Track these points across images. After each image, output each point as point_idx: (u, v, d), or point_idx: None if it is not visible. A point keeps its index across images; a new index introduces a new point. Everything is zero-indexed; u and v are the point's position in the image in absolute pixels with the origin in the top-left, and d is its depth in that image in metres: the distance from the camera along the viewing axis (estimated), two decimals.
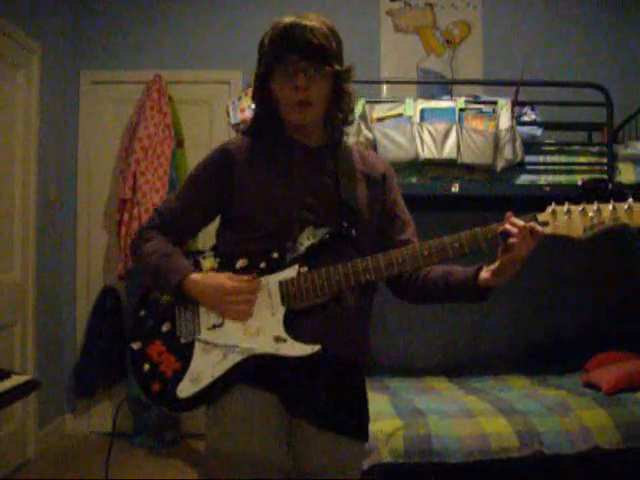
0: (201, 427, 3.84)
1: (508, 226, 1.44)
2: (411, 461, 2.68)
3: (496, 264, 1.49)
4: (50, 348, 4.12)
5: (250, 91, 1.71)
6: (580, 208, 1.41)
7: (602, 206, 1.40)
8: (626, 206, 1.39)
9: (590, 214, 1.40)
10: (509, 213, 1.46)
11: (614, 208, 1.39)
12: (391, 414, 2.86)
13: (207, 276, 1.58)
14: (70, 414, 4.37)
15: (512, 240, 1.43)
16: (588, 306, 4.22)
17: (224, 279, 1.55)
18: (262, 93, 1.61)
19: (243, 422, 1.54)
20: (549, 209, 1.43)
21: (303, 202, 1.57)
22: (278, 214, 1.56)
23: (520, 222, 1.43)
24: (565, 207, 1.42)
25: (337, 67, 1.57)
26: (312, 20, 1.55)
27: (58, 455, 3.91)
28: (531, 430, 2.76)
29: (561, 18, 4.47)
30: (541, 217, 1.44)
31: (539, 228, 1.42)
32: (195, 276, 1.57)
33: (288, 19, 1.54)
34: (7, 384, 1.92)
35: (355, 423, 1.66)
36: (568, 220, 1.42)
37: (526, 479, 2.81)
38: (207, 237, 1.81)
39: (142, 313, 1.66)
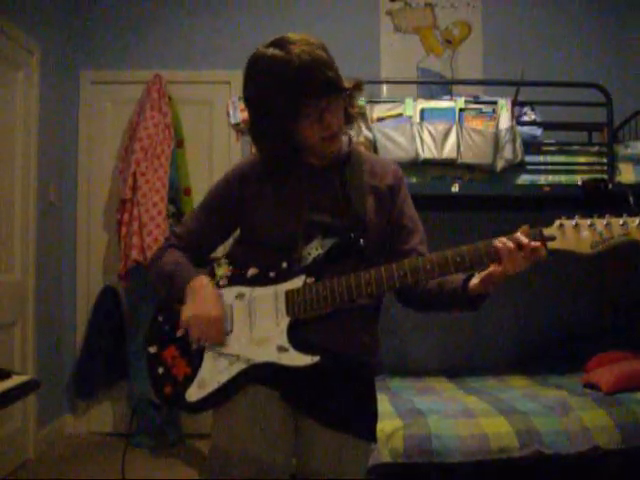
0: (202, 427, 3.86)
1: (498, 244, 1.43)
2: (411, 461, 2.68)
3: (485, 272, 1.48)
4: (50, 348, 4.12)
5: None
6: (588, 222, 1.36)
7: (612, 220, 1.34)
8: (637, 221, 1.33)
9: (599, 229, 1.35)
10: (524, 227, 1.44)
11: (624, 223, 1.33)
12: (391, 414, 2.86)
13: (206, 290, 1.60)
14: (70, 414, 4.36)
15: (501, 256, 1.43)
16: (589, 306, 4.23)
17: (212, 307, 1.58)
18: (282, 134, 1.55)
19: (247, 421, 1.56)
20: (556, 223, 1.39)
21: (311, 216, 1.58)
22: (285, 230, 1.59)
23: (509, 244, 1.41)
24: (573, 221, 1.37)
25: (348, 87, 1.56)
26: (309, 47, 1.47)
27: (58, 455, 3.91)
28: (531, 430, 2.76)
29: (561, 18, 4.47)
30: (547, 231, 1.40)
31: (524, 251, 1.41)
32: (200, 279, 1.61)
33: (292, 54, 1.45)
34: (7, 384, 1.92)
35: (361, 422, 1.65)
36: (576, 235, 1.37)
37: (526, 479, 2.81)
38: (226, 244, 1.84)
39: (160, 318, 1.71)
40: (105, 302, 4.25)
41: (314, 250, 1.56)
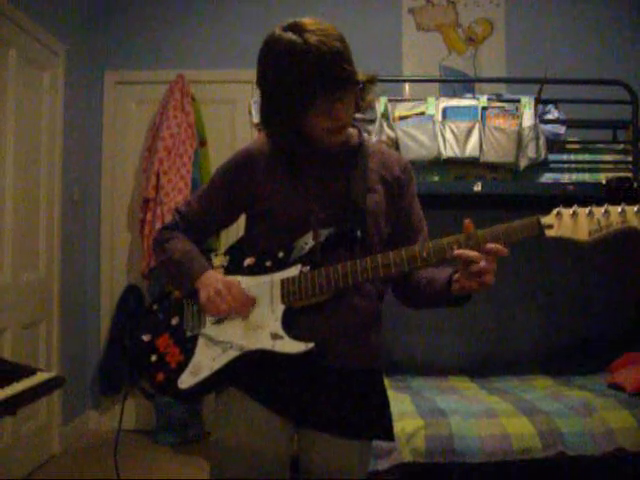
0: None
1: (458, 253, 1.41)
2: (432, 461, 2.67)
3: (460, 281, 1.45)
4: (74, 345, 4.17)
5: None
6: (587, 210, 1.37)
7: (610, 208, 1.35)
8: (635, 209, 1.35)
9: (597, 216, 1.36)
10: (468, 223, 1.43)
11: (622, 211, 1.35)
12: (413, 413, 2.85)
13: (218, 275, 1.62)
14: (94, 411, 4.42)
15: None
16: (613, 306, 4.17)
17: (226, 279, 1.59)
18: (290, 120, 1.53)
19: (245, 414, 1.57)
20: (554, 211, 1.40)
21: (312, 204, 1.57)
22: (287, 216, 1.58)
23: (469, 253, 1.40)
24: (571, 210, 1.38)
25: (362, 79, 1.55)
26: (327, 38, 1.45)
27: (82, 451, 3.96)
28: (554, 431, 2.74)
29: (584, 15, 4.42)
30: (545, 220, 1.40)
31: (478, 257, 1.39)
32: (212, 272, 1.61)
33: (309, 44, 1.43)
34: (32, 381, 1.94)
35: (372, 426, 1.64)
36: (574, 223, 1.38)
37: None
38: (229, 235, 1.85)
39: (155, 307, 1.72)
40: (128, 300, 4.29)
41: (311, 240, 1.55)
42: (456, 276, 1.48)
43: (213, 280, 1.58)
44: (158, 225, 3.99)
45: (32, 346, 3.60)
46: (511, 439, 2.71)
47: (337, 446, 1.59)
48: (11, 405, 1.82)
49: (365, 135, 1.72)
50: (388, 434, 1.67)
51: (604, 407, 2.91)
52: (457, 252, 1.41)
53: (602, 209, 1.36)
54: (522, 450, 2.69)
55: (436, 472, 2.70)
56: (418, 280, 1.61)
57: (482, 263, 1.39)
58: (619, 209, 1.35)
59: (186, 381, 1.59)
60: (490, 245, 1.40)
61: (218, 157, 4.35)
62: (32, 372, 2.00)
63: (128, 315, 4.26)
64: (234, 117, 4.45)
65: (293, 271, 1.55)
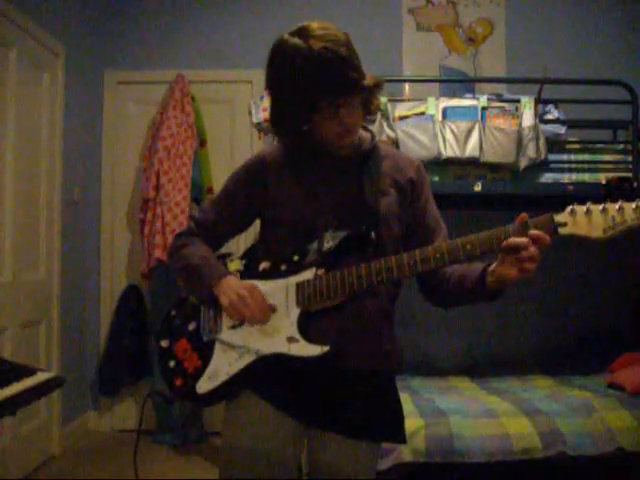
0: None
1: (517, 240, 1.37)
2: (433, 461, 2.67)
3: (498, 271, 1.44)
4: (74, 346, 4.17)
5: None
6: (601, 207, 1.35)
7: (625, 205, 1.33)
8: None
9: (612, 213, 1.34)
10: (523, 215, 1.40)
11: (637, 207, 1.33)
12: (413, 413, 2.85)
13: (237, 280, 1.62)
14: (94, 411, 4.41)
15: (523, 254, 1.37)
16: (613, 306, 4.18)
17: (247, 284, 1.59)
18: (298, 123, 1.55)
19: (256, 417, 1.57)
20: (568, 209, 1.38)
21: (326, 208, 1.58)
22: (301, 220, 1.59)
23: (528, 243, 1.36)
24: (585, 207, 1.36)
25: (368, 84, 1.54)
26: (333, 44, 1.45)
27: (82, 452, 3.96)
28: (554, 431, 2.74)
29: (585, 15, 4.42)
30: (559, 217, 1.38)
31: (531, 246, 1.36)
32: (231, 277, 1.61)
33: (313, 50, 1.44)
34: (32, 381, 1.94)
35: (385, 428, 1.64)
36: (588, 220, 1.36)
37: None
38: (233, 241, 1.86)
39: (173, 313, 1.73)
40: (128, 301, 4.29)
41: (325, 243, 1.55)
42: (491, 268, 1.46)
43: (234, 285, 1.58)
44: (158, 225, 3.99)
45: (32, 346, 3.60)
46: (511, 439, 2.71)
47: (347, 447, 1.59)
48: (11, 405, 1.81)
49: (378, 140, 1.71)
50: (400, 436, 1.68)
51: (604, 407, 2.91)
52: (508, 241, 1.38)
53: (616, 205, 1.34)
54: (522, 450, 2.69)
55: (436, 472, 2.70)
56: (448, 277, 1.60)
57: (532, 249, 1.36)
58: (633, 205, 1.33)
59: (204, 386, 1.60)
60: (535, 232, 1.37)
61: (218, 157, 4.35)
62: (32, 372, 2.00)
63: (128, 315, 4.26)
64: (234, 117, 4.45)
65: (308, 274, 1.55)
